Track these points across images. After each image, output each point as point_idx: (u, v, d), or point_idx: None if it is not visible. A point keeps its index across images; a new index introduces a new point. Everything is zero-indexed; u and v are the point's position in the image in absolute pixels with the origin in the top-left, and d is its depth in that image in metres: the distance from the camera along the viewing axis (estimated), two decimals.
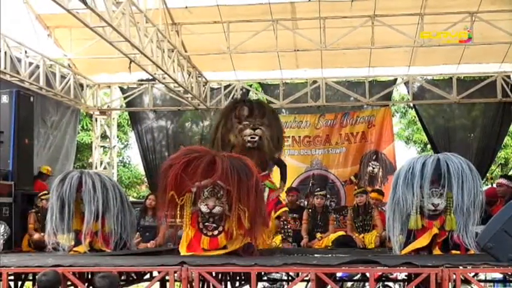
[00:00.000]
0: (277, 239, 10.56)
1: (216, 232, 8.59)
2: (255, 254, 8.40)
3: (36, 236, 10.42)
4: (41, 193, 10.83)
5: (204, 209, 8.46)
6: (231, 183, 8.26)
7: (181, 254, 8.58)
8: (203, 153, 8.60)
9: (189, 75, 14.58)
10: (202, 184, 8.40)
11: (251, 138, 9.69)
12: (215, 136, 10.10)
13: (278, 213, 10.36)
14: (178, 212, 8.60)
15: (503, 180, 10.87)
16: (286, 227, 10.98)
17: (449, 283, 6.41)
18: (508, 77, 15.18)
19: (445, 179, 8.32)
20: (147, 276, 9.05)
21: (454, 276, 6.40)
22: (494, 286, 13.23)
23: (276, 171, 10.77)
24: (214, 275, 7.55)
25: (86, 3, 9.11)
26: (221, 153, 8.71)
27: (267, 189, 9.92)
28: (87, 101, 16.12)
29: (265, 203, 9.36)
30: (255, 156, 9.68)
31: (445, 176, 8.32)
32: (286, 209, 10.78)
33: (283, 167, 10.64)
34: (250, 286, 7.10)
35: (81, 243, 9.39)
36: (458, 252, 8.34)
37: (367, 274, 7.13)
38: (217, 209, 8.44)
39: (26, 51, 13.09)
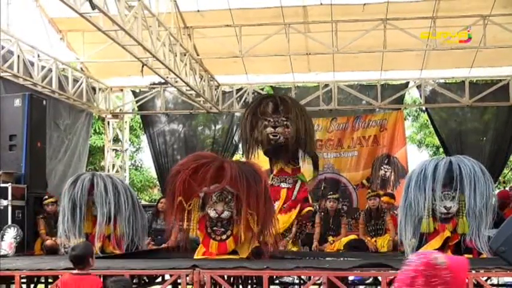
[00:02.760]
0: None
1: (224, 236, 8.60)
2: (265, 257, 8.40)
3: (48, 241, 10.43)
4: (44, 198, 10.85)
5: (212, 213, 8.48)
6: (239, 188, 8.26)
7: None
8: (211, 159, 8.61)
9: (201, 79, 14.59)
10: (211, 189, 8.41)
11: (273, 136, 9.78)
12: (242, 132, 10.16)
13: (303, 212, 10.36)
14: (186, 216, 8.60)
15: None
16: (302, 229, 10.97)
17: None
18: None
19: (457, 182, 8.29)
20: (159, 279, 9.07)
21: (467, 280, 6.37)
22: None
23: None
24: (226, 278, 7.56)
25: (93, 7, 9.10)
26: (229, 159, 8.72)
27: (299, 182, 10.14)
28: (99, 104, 16.17)
29: (274, 207, 9.38)
30: (282, 151, 9.93)
31: (457, 179, 8.28)
32: (311, 209, 10.76)
33: (314, 157, 10.85)
34: None
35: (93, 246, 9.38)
36: (470, 255, 8.30)
37: (380, 278, 7.12)
38: (225, 214, 8.47)
39: (38, 55, 13.13)
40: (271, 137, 9.79)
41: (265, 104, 10.03)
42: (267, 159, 11.06)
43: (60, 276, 6.89)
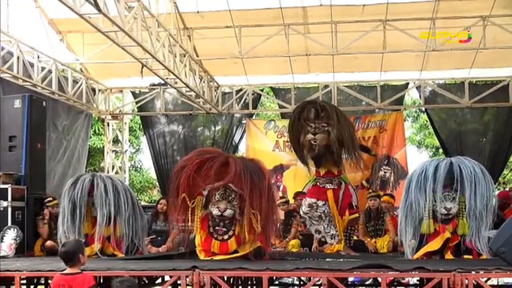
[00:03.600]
0: (340, 246, 10.62)
1: (226, 236, 8.60)
2: (266, 258, 8.39)
3: (48, 242, 10.43)
4: (47, 200, 10.83)
5: (215, 211, 8.47)
6: (243, 185, 8.27)
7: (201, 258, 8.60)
8: (216, 155, 8.63)
9: (201, 80, 14.59)
10: (215, 186, 8.40)
11: (313, 141, 10.32)
12: (290, 137, 10.96)
13: (351, 217, 10.58)
14: (189, 215, 8.60)
15: None
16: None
17: None
18: None
19: (458, 183, 8.29)
20: (159, 280, 9.07)
21: (467, 281, 6.37)
22: None
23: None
24: (225, 279, 7.55)
25: (99, 9, 9.13)
26: (234, 155, 8.75)
27: (343, 184, 10.76)
28: (99, 105, 16.16)
29: (277, 206, 9.40)
30: (325, 155, 10.55)
31: (458, 180, 8.28)
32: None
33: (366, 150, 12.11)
34: None
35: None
36: (470, 257, 8.30)
37: (379, 279, 7.12)
38: (228, 212, 8.46)
39: (38, 56, 13.13)
40: (312, 142, 10.30)
41: (308, 110, 10.51)
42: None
43: None
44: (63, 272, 6.25)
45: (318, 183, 10.67)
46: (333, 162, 10.62)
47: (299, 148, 10.72)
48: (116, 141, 17.77)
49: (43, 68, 13.28)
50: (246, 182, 8.26)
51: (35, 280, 9.46)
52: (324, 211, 10.47)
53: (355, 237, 11.44)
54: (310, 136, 10.29)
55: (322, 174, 10.71)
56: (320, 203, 10.45)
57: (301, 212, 10.93)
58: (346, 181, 10.82)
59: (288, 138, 11.05)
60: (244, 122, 16.24)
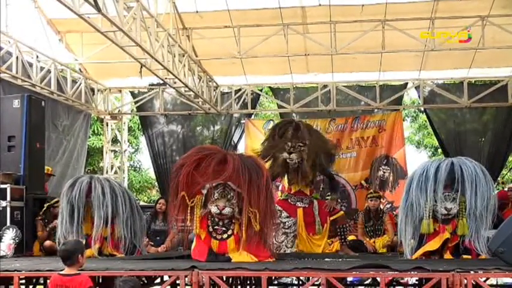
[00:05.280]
0: (336, 245, 10.59)
1: (225, 236, 8.57)
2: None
3: (47, 242, 10.44)
4: (54, 201, 10.81)
5: (214, 209, 8.44)
6: (241, 181, 8.24)
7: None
8: (214, 152, 8.61)
9: (200, 80, 14.59)
10: (213, 184, 8.38)
11: (289, 160, 10.34)
12: (263, 151, 10.68)
13: (334, 217, 10.55)
14: (188, 215, 8.58)
15: None
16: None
17: None
18: None
19: (458, 183, 8.26)
20: (158, 280, 9.06)
21: (465, 281, 6.37)
22: None
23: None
24: (224, 279, 7.55)
25: (98, 9, 9.13)
26: (232, 152, 8.75)
27: (315, 202, 10.57)
28: (98, 105, 16.15)
29: (275, 204, 9.37)
30: (297, 174, 10.48)
31: (458, 180, 8.26)
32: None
33: (331, 180, 11.27)
34: None
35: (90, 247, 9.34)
36: (469, 257, 8.29)
37: (378, 279, 7.11)
38: (227, 210, 8.42)
39: (37, 56, 13.12)
40: (288, 161, 10.35)
41: (285, 128, 10.56)
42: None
43: None
44: (61, 272, 6.24)
45: (289, 200, 10.63)
46: (305, 183, 10.61)
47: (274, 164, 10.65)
48: (114, 141, 17.76)
49: (42, 68, 13.28)
50: (244, 179, 8.23)
51: (34, 280, 9.45)
52: (290, 226, 10.43)
53: (352, 237, 11.44)
54: (285, 155, 10.31)
55: (292, 192, 10.67)
56: (287, 219, 10.43)
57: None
58: (317, 198, 10.75)
59: (265, 153, 10.81)
60: (243, 122, 16.23)
